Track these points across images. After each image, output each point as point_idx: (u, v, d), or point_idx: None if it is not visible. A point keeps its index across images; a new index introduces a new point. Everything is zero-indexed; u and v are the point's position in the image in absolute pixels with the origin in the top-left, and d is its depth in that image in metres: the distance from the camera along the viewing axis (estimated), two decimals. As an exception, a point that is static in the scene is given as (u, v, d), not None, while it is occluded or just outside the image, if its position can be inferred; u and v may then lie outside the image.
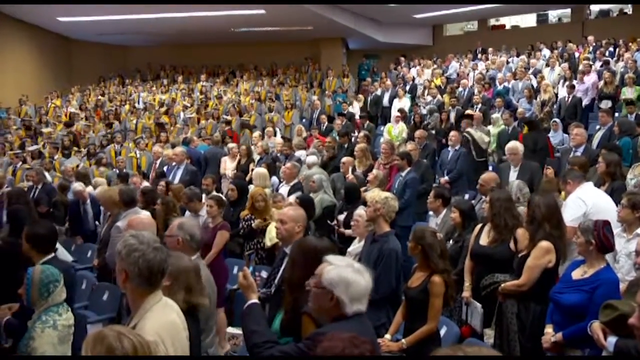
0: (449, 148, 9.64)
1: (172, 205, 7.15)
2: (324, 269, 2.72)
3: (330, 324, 2.68)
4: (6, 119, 16.60)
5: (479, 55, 18.95)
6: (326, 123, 14.08)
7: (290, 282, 3.35)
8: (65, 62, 22.08)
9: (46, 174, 11.03)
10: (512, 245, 4.83)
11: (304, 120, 16.02)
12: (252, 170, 9.60)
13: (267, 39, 20.78)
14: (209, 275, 4.05)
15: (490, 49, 18.75)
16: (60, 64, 21.63)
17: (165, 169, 10.49)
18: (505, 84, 14.33)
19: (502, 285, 4.50)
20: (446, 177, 9.22)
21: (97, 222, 8.91)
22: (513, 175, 7.40)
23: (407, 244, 4.42)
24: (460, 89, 14.56)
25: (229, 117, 15.18)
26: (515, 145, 7.73)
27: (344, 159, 9.11)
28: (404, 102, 14.65)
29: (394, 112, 13.61)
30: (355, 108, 15.87)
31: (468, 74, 16.10)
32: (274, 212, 6.76)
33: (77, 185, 9.17)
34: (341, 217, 7.27)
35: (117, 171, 11.22)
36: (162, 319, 2.72)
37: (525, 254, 4.42)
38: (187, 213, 7.01)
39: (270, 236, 6.56)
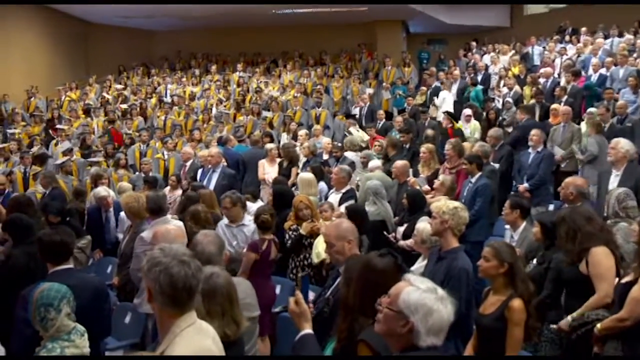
0: (530, 150, 9.50)
1: (201, 215, 6.95)
2: (402, 289, 2.71)
3: (399, 355, 2.68)
4: (11, 113, 16.92)
5: (568, 37, 18.39)
6: (383, 120, 14.09)
7: (346, 305, 3.33)
8: (82, 49, 22.48)
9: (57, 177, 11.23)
10: (582, 267, 4.69)
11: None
12: (297, 174, 9.69)
13: (314, 22, 20.87)
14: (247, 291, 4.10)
15: (582, 29, 18.07)
16: (76, 51, 22.01)
17: (199, 172, 10.62)
18: (602, 71, 13.93)
19: (599, 325, 4.30)
20: (526, 185, 9.10)
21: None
22: (614, 181, 7.25)
23: (478, 262, 4.37)
24: (543, 79, 14.29)
25: (269, 114, 15.29)
26: (617, 140, 7.52)
27: (396, 164, 8.99)
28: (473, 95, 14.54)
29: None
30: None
31: (554, 61, 15.73)
32: (321, 223, 6.78)
33: (101, 190, 9.16)
34: (401, 229, 7.24)
35: (143, 174, 11.39)
36: (194, 345, 2.70)
37: (631, 281, 4.24)
38: (225, 220, 7.02)
39: (317, 251, 6.54)
